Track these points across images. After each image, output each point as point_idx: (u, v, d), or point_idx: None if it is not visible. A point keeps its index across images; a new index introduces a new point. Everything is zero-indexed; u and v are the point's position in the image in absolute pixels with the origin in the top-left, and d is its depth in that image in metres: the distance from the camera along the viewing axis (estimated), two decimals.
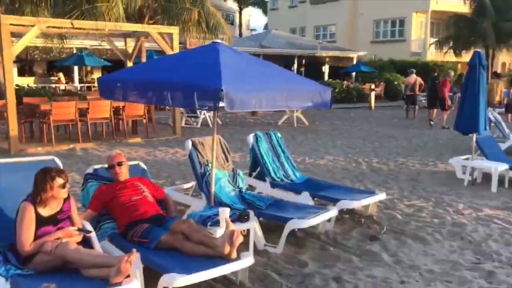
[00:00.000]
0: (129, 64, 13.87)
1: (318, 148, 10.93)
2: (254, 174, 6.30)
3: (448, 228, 5.37)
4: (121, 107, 11.65)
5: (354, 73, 29.18)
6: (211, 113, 10.42)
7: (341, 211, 5.42)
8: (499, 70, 32.34)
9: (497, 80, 16.46)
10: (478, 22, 24.72)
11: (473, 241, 4.98)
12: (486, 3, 24.25)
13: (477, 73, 7.42)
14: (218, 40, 4.58)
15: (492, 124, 10.80)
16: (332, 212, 4.94)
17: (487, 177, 7.39)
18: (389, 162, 9.35)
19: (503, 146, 9.45)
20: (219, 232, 3.99)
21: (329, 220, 5.14)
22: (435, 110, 17.24)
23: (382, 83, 26.39)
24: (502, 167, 7.29)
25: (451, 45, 26.72)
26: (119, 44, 14.60)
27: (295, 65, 27.80)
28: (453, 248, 4.78)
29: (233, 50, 4.69)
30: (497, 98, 15.61)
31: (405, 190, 7.14)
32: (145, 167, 4.91)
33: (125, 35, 13.65)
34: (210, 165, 5.07)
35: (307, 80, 5.11)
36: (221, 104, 3.78)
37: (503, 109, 17.22)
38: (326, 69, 29.13)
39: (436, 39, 29.40)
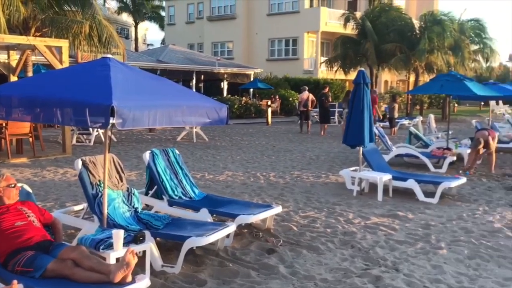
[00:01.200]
0: (13, 78, 12.87)
1: (217, 164, 10.97)
2: (151, 192, 6.14)
3: (339, 237, 5.65)
4: (3, 124, 10.73)
5: (251, 90, 29.88)
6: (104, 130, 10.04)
7: (239, 226, 5.47)
8: (382, 88, 35.20)
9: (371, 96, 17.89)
10: (362, 43, 26.72)
11: (362, 248, 5.29)
12: (367, 26, 26.31)
13: (361, 90, 7.99)
14: (109, 55, 4.41)
15: (377, 137, 11.67)
16: (231, 228, 4.96)
17: (374, 186, 7.92)
18: (285, 175, 9.66)
19: (387, 157, 10.24)
20: (112, 256, 3.81)
21: (227, 236, 5.15)
22: (327, 125, 18.28)
23: (278, 99, 27.33)
24: (386, 177, 7.87)
25: (339, 64, 28.51)
26: (2, 57, 13.50)
27: (194, 81, 27.80)
28: (345, 256, 5.03)
29: (125, 66, 4.55)
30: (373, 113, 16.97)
31: (300, 202, 7.41)
32: (30, 189, 4.56)
33: (9, 48, 12.66)
34: (102, 185, 4.83)
35: (203, 96, 5.12)
36: (112, 121, 3.64)
37: (387, 123, 18.73)
38: (224, 85, 29.51)
39: (326, 58, 31.21)
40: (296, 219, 6.38)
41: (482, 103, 34.42)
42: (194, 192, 6.26)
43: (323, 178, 9.46)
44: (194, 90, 26.49)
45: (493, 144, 10.04)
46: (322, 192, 8.18)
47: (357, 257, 5.00)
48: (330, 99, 19.03)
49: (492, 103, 26.23)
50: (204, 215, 5.45)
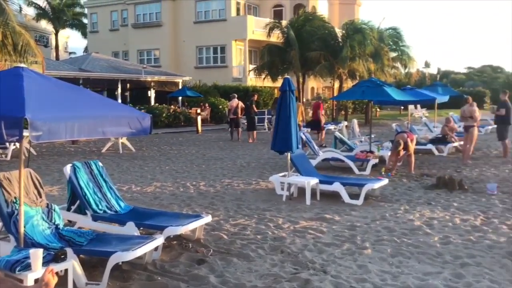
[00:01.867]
0: None
1: (145, 175, 10.70)
2: (73, 208, 5.86)
3: (269, 243, 5.69)
4: None
5: (180, 98, 29.55)
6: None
7: (168, 238, 5.36)
8: (309, 95, 36.19)
9: (298, 103, 18.40)
10: (288, 52, 27.32)
11: (292, 253, 5.36)
12: (291, 35, 26.96)
13: (287, 97, 8.15)
14: (22, 65, 4.17)
15: (304, 142, 11.95)
16: (158, 241, 4.84)
17: (302, 191, 8.08)
18: (215, 184, 9.61)
19: (314, 162, 10.51)
20: (30, 277, 3.58)
21: (156, 249, 5.02)
22: (255, 132, 18.45)
23: (207, 107, 27.24)
24: (314, 181, 8.07)
25: (267, 71, 28.94)
26: None
27: (119, 90, 27.01)
28: (275, 262, 5.07)
29: (41, 75, 4.32)
30: (300, 118, 17.44)
31: (230, 210, 7.39)
32: None
33: None
34: (19, 202, 4.54)
35: (125, 106, 4.98)
36: (26, 133, 3.43)
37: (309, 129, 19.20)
38: (152, 93, 28.94)
39: (255, 65, 31.59)
40: (226, 228, 6.36)
41: (402, 107, 36.36)
42: (119, 206, 6.05)
43: (253, 184, 9.52)
44: (120, 99, 25.80)
45: (412, 146, 10.61)
46: (252, 199, 8.22)
47: (287, 262, 5.06)
48: (255, 107, 19.15)
49: (411, 107, 27.78)
50: (130, 228, 5.28)
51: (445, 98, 18.29)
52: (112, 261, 4.28)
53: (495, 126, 14.74)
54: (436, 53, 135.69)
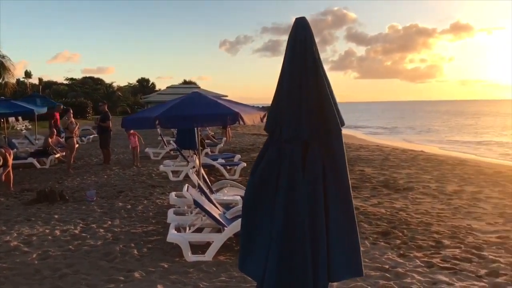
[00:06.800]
0: None
1: None
2: None
3: None
4: None
5: None
6: None
7: None
8: None
9: None
10: None
11: None
12: None
13: None
14: None
15: None
16: None
17: None
18: None
19: None
20: None
21: None
22: None
23: None
24: None
25: None
26: None
27: None
28: None
29: None
30: None
31: None
32: None
33: None
34: None
35: None
36: None
37: None
38: None
39: None
40: None
41: (2, 119, 33.57)
42: None
43: None
44: None
45: (10, 161, 9.94)
46: None
47: None
48: None
49: (12, 119, 26.00)
50: None
51: (44, 110, 17.97)
52: None
53: (97, 135, 15.62)
54: (39, 63, 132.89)
